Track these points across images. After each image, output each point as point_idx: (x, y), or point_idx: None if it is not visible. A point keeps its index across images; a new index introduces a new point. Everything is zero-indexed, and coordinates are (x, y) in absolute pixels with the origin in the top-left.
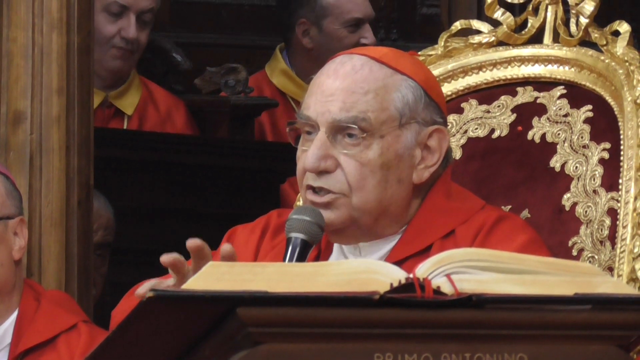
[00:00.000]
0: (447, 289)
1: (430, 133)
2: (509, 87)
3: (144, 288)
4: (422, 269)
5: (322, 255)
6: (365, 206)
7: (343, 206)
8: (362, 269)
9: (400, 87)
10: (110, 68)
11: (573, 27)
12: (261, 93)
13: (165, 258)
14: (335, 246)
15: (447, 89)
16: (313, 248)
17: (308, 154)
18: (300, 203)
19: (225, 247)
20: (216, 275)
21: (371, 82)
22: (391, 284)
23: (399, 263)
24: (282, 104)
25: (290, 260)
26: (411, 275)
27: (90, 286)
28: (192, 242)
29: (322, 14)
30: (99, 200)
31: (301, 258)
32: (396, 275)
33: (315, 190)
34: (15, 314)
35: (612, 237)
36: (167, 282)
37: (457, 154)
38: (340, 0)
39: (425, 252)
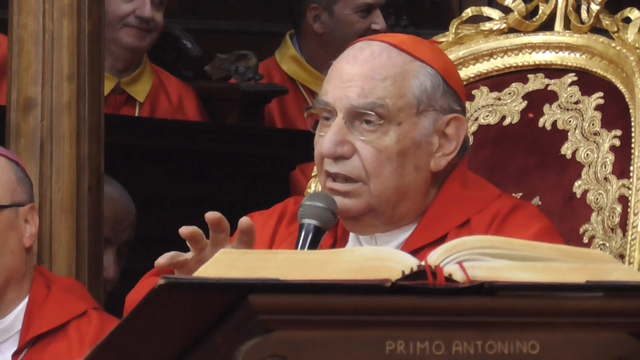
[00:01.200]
0: (458, 276)
1: (448, 121)
2: (520, 74)
3: (164, 258)
4: (434, 257)
5: (338, 244)
6: (383, 193)
7: (362, 195)
8: (374, 256)
9: (419, 74)
10: (126, 45)
11: (584, 14)
12: (271, 80)
13: (184, 230)
14: (351, 235)
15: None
16: (326, 235)
17: (325, 140)
18: (310, 190)
19: (243, 220)
20: (228, 263)
21: (389, 68)
22: (403, 272)
23: (414, 252)
24: (291, 90)
25: (303, 246)
26: (423, 263)
27: (100, 273)
28: (211, 215)
29: None
30: (128, 197)
31: (314, 244)
32: (408, 262)
33: (333, 176)
34: (26, 300)
35: (623, 224)
36: (185, 255)
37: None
38: None
39: (440, 242)
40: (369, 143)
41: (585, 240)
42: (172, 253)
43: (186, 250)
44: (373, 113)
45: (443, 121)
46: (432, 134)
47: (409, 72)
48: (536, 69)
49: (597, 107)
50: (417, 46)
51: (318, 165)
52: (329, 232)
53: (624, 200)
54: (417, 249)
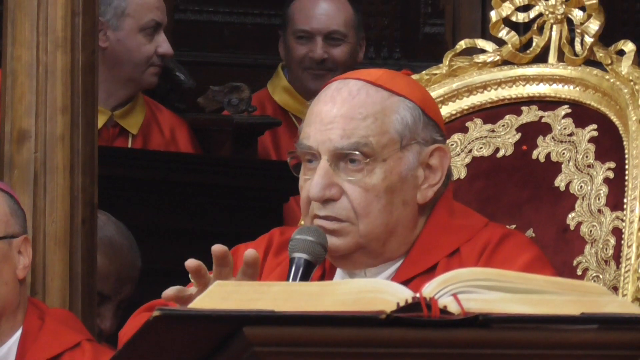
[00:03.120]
0: (453, 308)
1: (431, 152)
2: (514, 106)
3: (171, 290)
4: (429, 289)
5: (327, 275)
6: (372, 232)
7: (350, 234)
8: (368, 288)
9: (399, 108)
10: (148, 85)
11: (578, 47)
12: (264, 111)
13: (191, 263)
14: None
15: (452, 108)
16: (316, 268)
17: (312, 184)
18: (304, 222)
19: (249, 252)
20: (222, 295)
21: (369, 106)
22: (398, 304)
23: (404, 283)
24: (284, 121)
25: (294, 280)
26: (418, 295)
27: (94, 305)
28: (218, 248)
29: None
30: (136, 249)
31: (304, 278)
32: (403, 294)
33: (322, 218)
34: (19, 332)
35: (617, 256)
36: (189, 291)
37: (462, 173)
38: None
39: (430, 272)
40: (356, 183)
41: (579, 272)
42: (178, 287)
43: (178, 281)
44: (358, 153)
45: (427, 153)
46: (417, 167)
47: (389, 108)
48: (530, 101)
49: (591, 140)
50: (393, 80)
51: (304, 209)
52: None
53: (617, 232)
54: (407, 280)
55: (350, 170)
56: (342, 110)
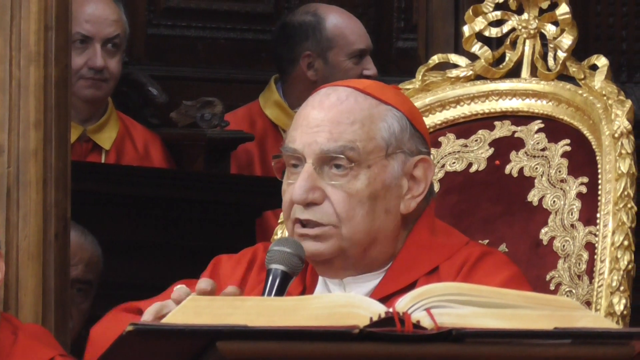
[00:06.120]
0: (426, 323)
1: (415, 163)
2: (487, 121)
3: (180, 289)
4: (402, 303)
5: (307, 291)
6: (354, 237)
7: (332, 238)
8: (342, 303)
9: (386, 116)
10: (84, 97)
11: (551, 61)
12: (253, 124)
13: (206, 287)
14: (320, 282)
15: (425, 122)
16: (294, 280)
17: (295, 186)
18: (277, 237)
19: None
20: (196, 309)
21: (357, 112)
22: (371, 318)
23: (383, 300)
24: (273, 135)
25: (270, 291)
26: (391, 310)
27: (67, 320)
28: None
29: (327, 46)
30: (86, 236)
31: (281, 289)
32: (376, 309)
33: (304, 223)
34: None
35: (590, 271)
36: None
37: (435, 187)
38: (345, 32)
39: (409, 289)
40: (340, 188)
41: (552, 287)
42: (184, 287)
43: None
44: (344, 157)
45: (411, 163)
46: (401, 177)
47: (377, 115)
48: (503, 116)
49: (564, 154)
50: (381, 90)
51: (286, 213)
52: (298, 278)
53: (590, 247)
54: (386, 296)
55: (334, 175)
56: (329, 115)
